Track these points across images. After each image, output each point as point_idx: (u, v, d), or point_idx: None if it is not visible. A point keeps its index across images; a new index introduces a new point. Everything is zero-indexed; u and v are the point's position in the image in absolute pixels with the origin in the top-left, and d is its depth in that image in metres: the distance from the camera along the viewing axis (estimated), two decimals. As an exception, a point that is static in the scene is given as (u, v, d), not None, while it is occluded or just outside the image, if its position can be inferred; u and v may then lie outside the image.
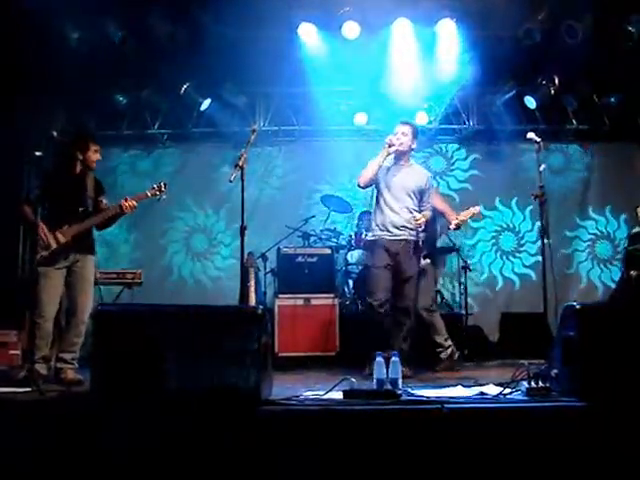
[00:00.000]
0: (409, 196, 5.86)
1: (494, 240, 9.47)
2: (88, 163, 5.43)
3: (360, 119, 9.10)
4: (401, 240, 5.79)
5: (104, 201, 5.47)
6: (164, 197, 5.53)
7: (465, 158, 9.60)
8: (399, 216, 5.80)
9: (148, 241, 9.28)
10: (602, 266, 9.36)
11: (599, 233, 9.45)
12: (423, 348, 6.53)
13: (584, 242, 9.39)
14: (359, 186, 6.00)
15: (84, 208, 5.34)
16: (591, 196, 9.43)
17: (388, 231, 5.81)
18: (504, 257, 9.42)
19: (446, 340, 6.35)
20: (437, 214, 6.40)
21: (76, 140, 5.51)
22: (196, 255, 9.40)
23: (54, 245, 5.17)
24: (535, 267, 9.08)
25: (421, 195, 5.92)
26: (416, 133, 5.97)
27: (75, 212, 5.29)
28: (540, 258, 5.65)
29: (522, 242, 9.39)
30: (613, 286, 8.75)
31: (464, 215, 6.25)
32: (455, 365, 6.33)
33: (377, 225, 5.90)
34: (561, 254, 9.03)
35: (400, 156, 5.92)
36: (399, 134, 5.85)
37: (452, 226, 6.23)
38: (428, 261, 6.39)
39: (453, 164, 9.63)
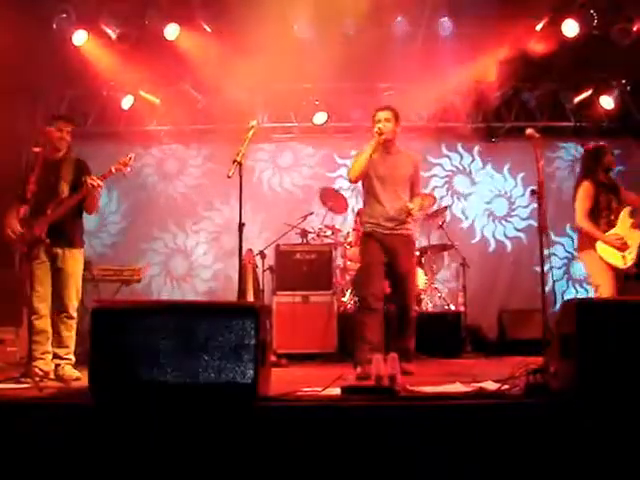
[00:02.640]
0: (402, 186, 5.63)
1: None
2: (53, 143, 5.31)
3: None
4: (396, 235, 5.55)
5: (97, 182, 5.19)
6: (129, 170, 5.34)
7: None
8: (393, 209, 5.54)
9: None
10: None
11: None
12: (424, 344, 6.54)
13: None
14: (351, 181, 5.78)
15: (57, 196, 5.21)
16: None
17: (381, 225, 5.56)
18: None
19: None
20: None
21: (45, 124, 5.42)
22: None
23: (28, 238, 5.07)
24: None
25: (411, 181, 5.69)
26: (397, 116, 5.65)
27: (48, 202, 5.17)
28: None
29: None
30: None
31: None
32: None
33: (369, 218, 5.64)
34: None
35: (388, 144, 5.60)
36: (383, 121, 5.55)
37: None
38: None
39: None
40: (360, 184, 5.77)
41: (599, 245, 5.80)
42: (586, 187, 5.90)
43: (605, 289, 5.74)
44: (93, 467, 3.27)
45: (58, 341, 5.22)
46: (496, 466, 3.27)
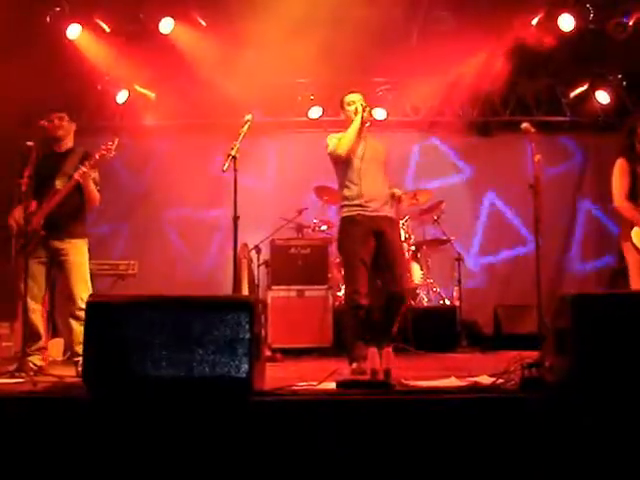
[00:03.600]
0: (380, 169, 5.50)
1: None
2: (49, 134, 5.30)
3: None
4: (381, 216, 5.35)
5: (82, 170, 5.14)
6: (113, 154, 5.25)
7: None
8: (376, 190, 5.37)
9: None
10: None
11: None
12: (420, 339, 6.55)
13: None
14: (340, 156, 5.38)
15: (52, 189, 5.18)
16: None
17: (365, 206, 5.32)
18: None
19: None
20: None
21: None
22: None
23: (27, 231, 4.99)
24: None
25: (385, 167, 5.56)
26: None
27: (45, 194, 5.14)
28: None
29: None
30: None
31: None
32: None
33: (352, 201, 5.38)
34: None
35: (362, 127, 5.48)
36: (359, 102, 5.51)
37: None
38: None
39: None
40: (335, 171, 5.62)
41: (634, 232, 5.26)
42: (620, 164, 5.39)
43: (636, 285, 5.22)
44: (88, 461, 3.26)
45: (72, 338, 5.16)
46: (491, 460, 3.26)
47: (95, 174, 5.32)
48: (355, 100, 5.53)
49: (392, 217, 5.46)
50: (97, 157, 5.22)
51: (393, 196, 5.45)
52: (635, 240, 5.22)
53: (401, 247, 5.61)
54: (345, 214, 5.43)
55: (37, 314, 5.17)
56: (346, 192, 5.44)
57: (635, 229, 5.23)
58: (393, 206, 5.50)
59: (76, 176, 5.12)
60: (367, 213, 5.30)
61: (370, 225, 5.29)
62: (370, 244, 5.28)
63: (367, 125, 5.50)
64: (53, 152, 5.34)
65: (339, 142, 5.41)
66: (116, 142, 5.29)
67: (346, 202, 5.43)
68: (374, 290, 5.40)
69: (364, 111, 5.41)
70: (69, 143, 5.46)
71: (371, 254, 5.29)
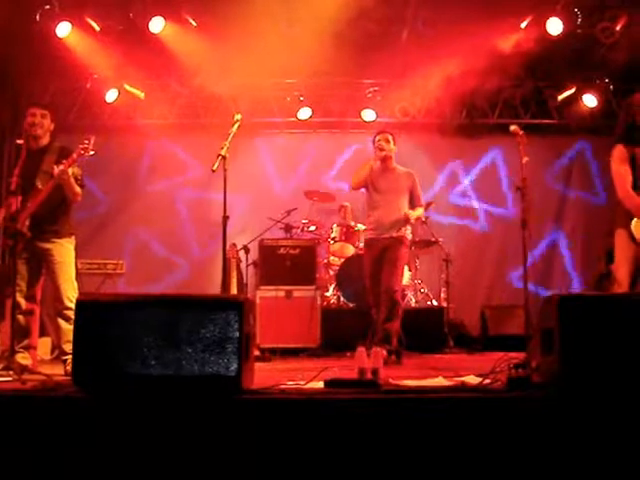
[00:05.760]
0: (399, 197, 6.32)
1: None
2: (28, 130, 5.19)
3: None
4: (388, 237, 6.22)
5: (60, 168, 5.03)
6: (92, 153, 5.13)
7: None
8: (389, 216, 6.24)
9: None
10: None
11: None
12: (407, 339, 6.57)
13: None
14: (352, 188, 6.59)
15: (34, 188, 5.08)
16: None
17: (378, 230, 6.28)
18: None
19: None
20: None
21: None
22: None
23: (11, 232, 4.92)
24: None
25: (410, 193, 6.37)
26: (394, 139, 6.43)
27: (28, 194, 5.04)
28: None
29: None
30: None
31: None
32: None
33: (369, 225, 6.44)
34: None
35: (387, 161, 6.35)
36: (383, 142, 6.30)
37: None
38: None
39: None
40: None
41: (635, 223, 4.90)
42: (618, 152, 5.04)
43: (623, 278, 4.93)
44: (76, 459, 3.26)
45: (60, 336, 5.12)
46: (477, 458, 3.29)
47: (75, 169, 5.21)
48: (380, 139, 6.35)
49: (397, 236, 6.26)
50: (75, 156, 5.10)
51: (407, 218, 6.24)
52: (634, 231, 4.88)
53: (398, 259, 6.21)
54: (365, 237, 6.65)
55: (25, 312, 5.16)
56: (366, 218, 6.54)
57: (635, 220, 4.89)
58: (404, 225, 6.30)
59: (56, 175, 5.02)
60: (376, 236, 6.32)
61: (378, 245, 6.29)
62: (376, 259, 6.26)
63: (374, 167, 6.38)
64: (29, 149, 5.16)
65: (354, 177, 6.47)
66: (92, 140, 5.15)
67: (365, 227, 6.63)
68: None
69: (381, 151, 6.28)
70: (45, 140, 5.34)
71: (376, 267, 6.24)
